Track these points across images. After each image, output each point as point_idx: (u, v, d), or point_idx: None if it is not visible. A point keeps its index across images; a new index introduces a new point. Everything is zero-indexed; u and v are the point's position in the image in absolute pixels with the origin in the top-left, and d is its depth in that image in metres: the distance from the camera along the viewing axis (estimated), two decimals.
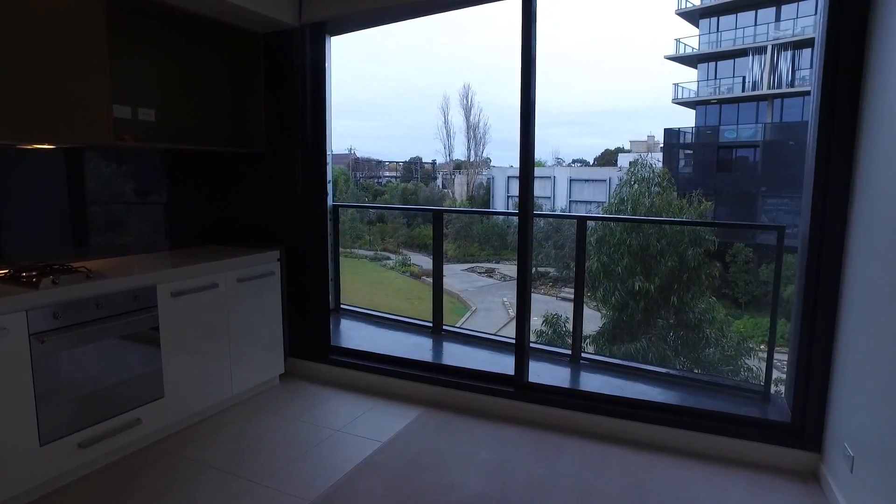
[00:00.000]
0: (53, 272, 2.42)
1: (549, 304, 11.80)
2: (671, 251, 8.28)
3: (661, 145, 19.42)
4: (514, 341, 3.13)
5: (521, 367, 3.06)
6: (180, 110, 3.38)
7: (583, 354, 3.56)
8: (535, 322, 9.53)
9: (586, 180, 21.45)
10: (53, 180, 2.92)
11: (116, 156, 3.18)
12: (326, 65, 3.46)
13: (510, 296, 15.25)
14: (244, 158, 3.63)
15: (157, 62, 3.26)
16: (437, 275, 4.35)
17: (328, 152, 3.55)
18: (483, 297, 15.34)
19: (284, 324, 3.49)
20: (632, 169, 9.88)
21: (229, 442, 2.78)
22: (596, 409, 2.85)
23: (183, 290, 2.78)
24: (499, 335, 3.99)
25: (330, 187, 3.63)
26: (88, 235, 3.08)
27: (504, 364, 3.31)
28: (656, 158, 15.89)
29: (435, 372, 3.30)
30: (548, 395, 2.98)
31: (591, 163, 25.19)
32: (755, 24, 18.09)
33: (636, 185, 9.46)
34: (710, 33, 19.18)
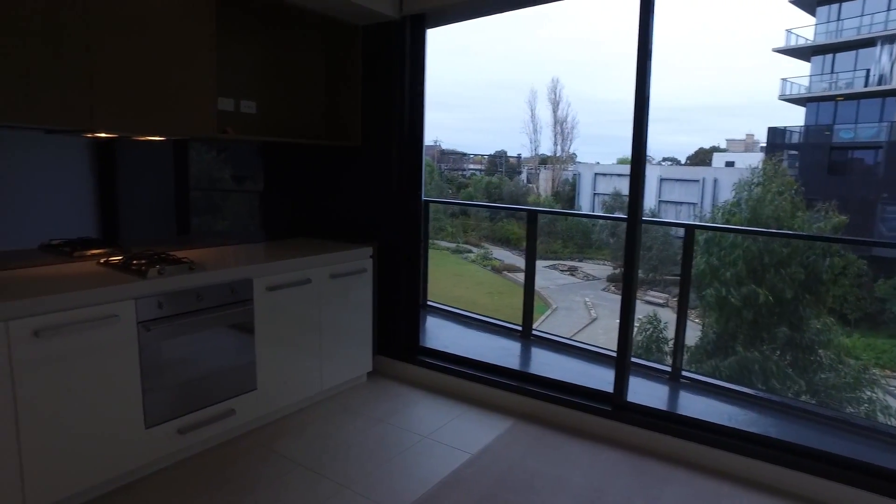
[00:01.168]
0: (160, 261, 2.47)
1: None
2: (796, 260, 7.51)
3: (762, 145, 18.10)
4: (609, 352, 2.92)
5: (621, 384, 2.85)
6: (279, 103, 3.41)
7: (683, 372, 3.29)
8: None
9: (677, 180, 20.41)
10: (160, 170, 3.02)
11: (218, 147, 3.25)
12: (424, 58, 3.37)
13: (592, 295, 14.80)
14: (339, 152, 3.61)
15: (256, 54, 3.29)
16: (530, 277, 4.18)
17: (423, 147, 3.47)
18: (564, 295, 14.97)
19: (374, 321, 3.45)
20: (759, 170, 9.07)
21: (317, 440, 2.77)
22: (703, 439, 2.60)
23: (278, 284, 2.78)
24: (596, 346, 3.77)
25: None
26: (189, 224, 3.16)
27: (599, 377, 3.12)
28: (757, 159, 14.80)
29: (526, 382, 3.15)
30: (649, 417, 2.76)
31: (684, 162, 23.98)
32: (888, 10, 16.31)
33: (758, 189, 8.66)
34: (828, 22, 17.58)
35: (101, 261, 2.58)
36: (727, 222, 9.08)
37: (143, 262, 2.47)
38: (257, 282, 2.68)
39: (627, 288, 2.83)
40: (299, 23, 3.39)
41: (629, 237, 2.79)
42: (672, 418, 2.74)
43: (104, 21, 2.33)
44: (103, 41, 2.34)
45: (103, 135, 2.53)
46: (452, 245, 18.16)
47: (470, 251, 17.78)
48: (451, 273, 15.89)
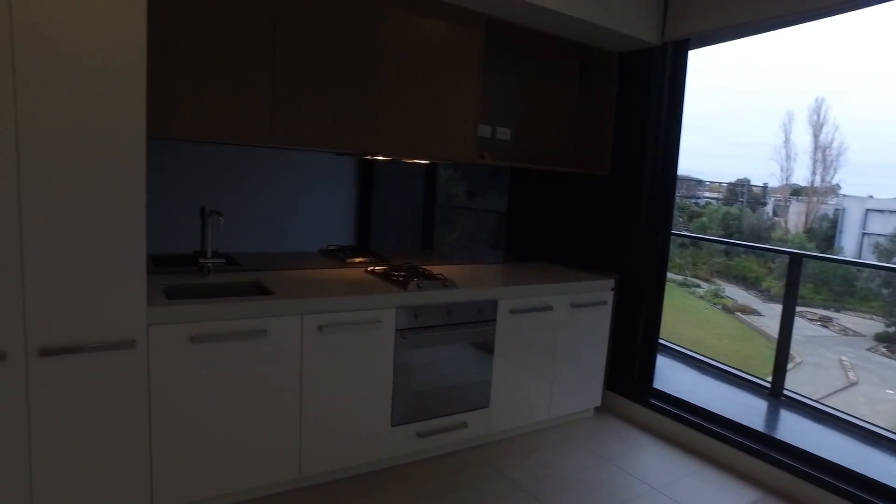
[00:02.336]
0: (417, 275, 2.69)
1: None
2: None
3: None
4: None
5: None
6: (531, 130, 3.50)
7: None
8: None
9: None
10: (410, 188, 3.30)
11: (470, 171, 3.44)
12: (684, 84, 3.17)
13: (851, 354, 12.50)
14: (585, 180, 3.58)
15: (512, 83, 3.41)
16: (786, 328, 3.66)
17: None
18: (812, 349, 12.89)
19: (608, 355, 3.33)
20: None
21: (541, 467, 2.74)
22: None
23: (521, 308, 2.84)
24: (883, 428, 3.13)
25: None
26: (432, 240, 3.39)
27: (883, 467, 2.58)
28: None
29: (779, 451, 2.74)
30: None
31: None
32: None
33: None
34: None
35: (368, 269, 2.90)
36: None
37: (403, 274, 2.72)
38: (502, 304, 2.77)
39: None
40: (556, 52, 3.45)
41: None
42: None
43: (392, 66, 2.63)
44: (391, 82, 2.63)
45: (381, 157, 2.85)
46: (679, 277, 16.91)
47: (698, 286, 16.36)
48: (675, 307, 14.77)
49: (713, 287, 16.21)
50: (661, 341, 4.21)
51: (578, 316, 3.09)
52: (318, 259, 2.98)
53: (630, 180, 3.32)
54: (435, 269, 2.89)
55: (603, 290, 3.19)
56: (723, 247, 16.99)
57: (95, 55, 1.73)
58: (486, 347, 2.77)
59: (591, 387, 3.27)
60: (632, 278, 3.31)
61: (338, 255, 3.03)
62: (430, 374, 2.62)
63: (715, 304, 15.42)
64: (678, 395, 3.25)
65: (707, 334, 13.15)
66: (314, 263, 2.95)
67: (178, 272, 2.55)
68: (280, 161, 2.80)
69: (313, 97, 2.44)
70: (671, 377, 3.78)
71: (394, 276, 2.70)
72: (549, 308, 2.94)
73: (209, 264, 2.54)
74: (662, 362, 4.02)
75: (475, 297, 2.68)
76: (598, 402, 3.34)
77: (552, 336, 3.01)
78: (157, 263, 2.55)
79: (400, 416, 2.56)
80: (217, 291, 2.47)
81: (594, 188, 3.54)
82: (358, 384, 2.41)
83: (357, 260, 3.05)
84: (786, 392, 3.53)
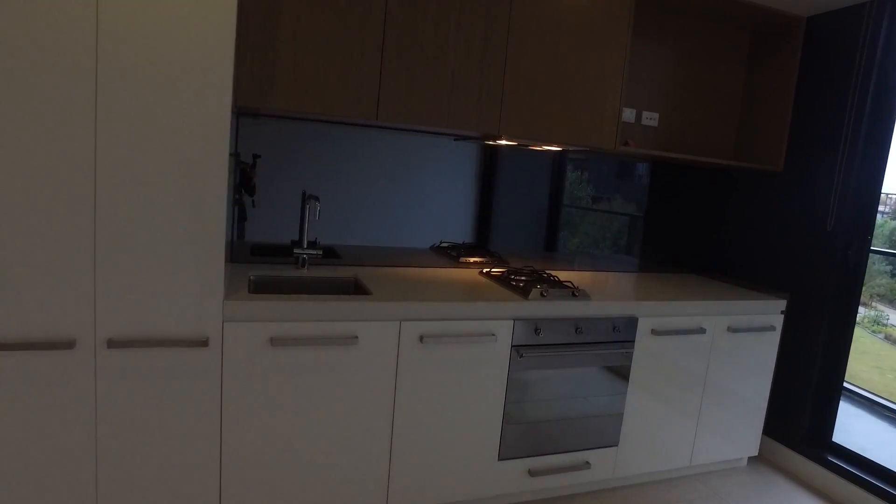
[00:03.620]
0: (541, 281, 2.24)
1: None
2: None
3: None
4: None
5: None
6: (682, 115, 2.91)
7: None
8: None
9: None
10: (535, 182, 2.84)
11: (605, 161, 2.93)
12: None
13: None
14: (748, 176, 2.94)
15: (664, 60, 2.84)
16: None
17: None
18: None
19: (770, 393, 2.68)
20: None
21: None
22: None
23: (666, 329, 2.30)
24: None
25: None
26: (557, 241, 2.92)
27: None
28: None
29: None
30: None
31: None
32: None
33: None
34: None
35: (483, 270, 2.50)
36: None
37: (524, 279, 2.29)
38: (643, 322, 2.25)
39: None
40: (720, 21, 2.84)
41: None
42: None
43: (523, 36, 2.21)
44: (520, 55, 2.21)
45: (504, 142, 2.44)
46: None
47: None
48: None
49: (873, 312, 14.12)
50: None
51: (737, 342, 2.49)
52: (428, 257, 2.63)
53: (813, 178, 2.64)
54: (561, 275, 2.43)
55: (771, 313, 2.56)
56: (889, 265, 14.77)
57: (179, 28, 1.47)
58: (621, 374, 2.26)
59: (747, 431, 2.64)
60: (809, 300, 2.63)
61: (450, 253, 2.66)
62: (549, 402, 2.17)
63: (875, 332, 13.40)
64: (863, 454, 2.53)
65: (865, 366, 11.40)
66: (423, 261, 2.60)
67: (272, 263, 2.31)
68: (394, 146, 2.48)
69: (428, 68, 2.08)
70: (850, 426, 3.03)
71: (513, 280, 2.28)
72: (702, 331, 2.37)
73: (304, 255, 2.27)
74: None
75: (611, 311, 2.19)
76: (754, 452, 2.70)
77: (702, 365, 2.43)
78: (256, 253, 2.33)
79: (509, 448, 2.13)
80: (308, 287, 2.19)
81: (759, 186, 2.89)
82: (462, 407, 2.01)
83: (472, 259, 2.67)
84: None
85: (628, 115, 2.79)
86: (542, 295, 2.08)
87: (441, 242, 2.67)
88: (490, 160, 2.71)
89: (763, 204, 2.88)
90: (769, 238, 2.83)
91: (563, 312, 2.10)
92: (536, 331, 2.06)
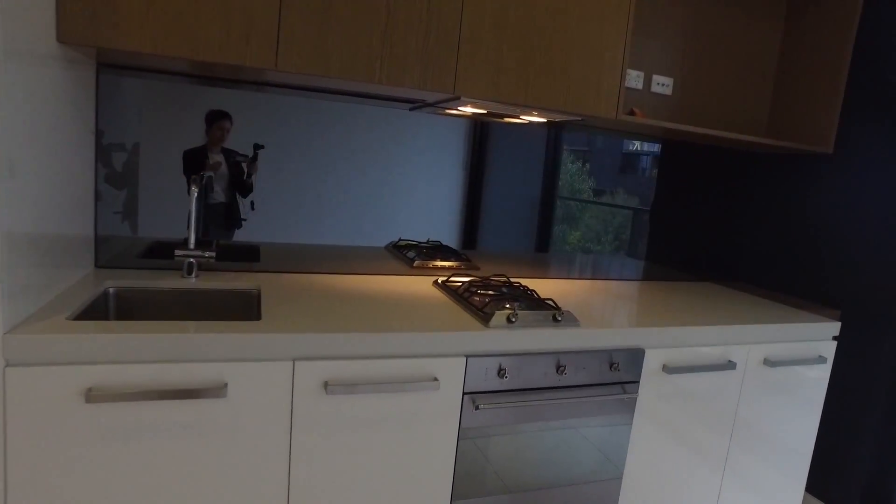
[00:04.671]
0: (512, 298, 1.64)
1: None
2: None
3: None
4: None
5: None
6: (703, 81, 2.30)
7: None
8: None
9: None
10: (526, 166, 2.24)
11: (606, 141, 2.32)
12: None
13: None
14: (785, 160, 2.33)
15: (680, 11, 2.23)
16: None
17: None
18: None
19: (818, 441, 2.08)
20: None
21: None
22: None
23: (682, 364, 1.69)
24: None
25: None
26: (550, 241, 2.31)
27: None
28: None
29: None
30: None
31: None
32: None
33: None
34: None
35: (440, 281, 1.89)
36: None
37: (490, 294, 1.69)
38: (651, 356, 1.64)
39: None
40: None
41: None
42: None
43: None
44: None
45: (470, 110, 1.84)
46: None
47: None
48: None
49: None
50: None
51: (777, 378, 1.88)
52: (379, 260, 2.03)
53: (873, 161, 2.03)
54: (547, 286, 1.83)
55: (819, 339, 1.94)
56: None
57: None
58: (620, 424, 1.66)
59: (786, 491, 2.03)
60: (867, 320, 2.02)
61: (406, 256, 2.07)
62: (519, 469, 1.57)
63: None
64: None
65: None
66: (368, 266, 2.00)
67: (162, 269, 1.73)
68: (350, 123, 1.88)
69: (350, 3, 1.47)
70: None
71: (476, 296, 1.68)
72: (730, 366, 1.76)
73: (190, 260, 1.67)
74: None
75: (607, 341, 1.58)
76: None
77: (730, 409, 1.82)
78: (152, 254, 1.74)
79: None
80: (183, 305, 1.60)
81: (800, 172, 2.28)
82: (389, 484, 1.41)
83: (431, 264, 2.08)
84: None
85: (635, 79, 2.18)
86: (509, 320, 1.47)
87: (399, 240, 2.08)
88: (480, 142, 2.12)
89: (805, 194, 2.26)
90: (812, 238, 2.22)
91: (539, 345, 1.49)
92: (500, 372, 1.45)
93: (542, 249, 2.32)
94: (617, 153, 2.38)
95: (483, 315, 1.49)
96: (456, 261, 2.13)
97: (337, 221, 1.96)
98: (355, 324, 1.36)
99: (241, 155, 1.82)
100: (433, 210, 2.10)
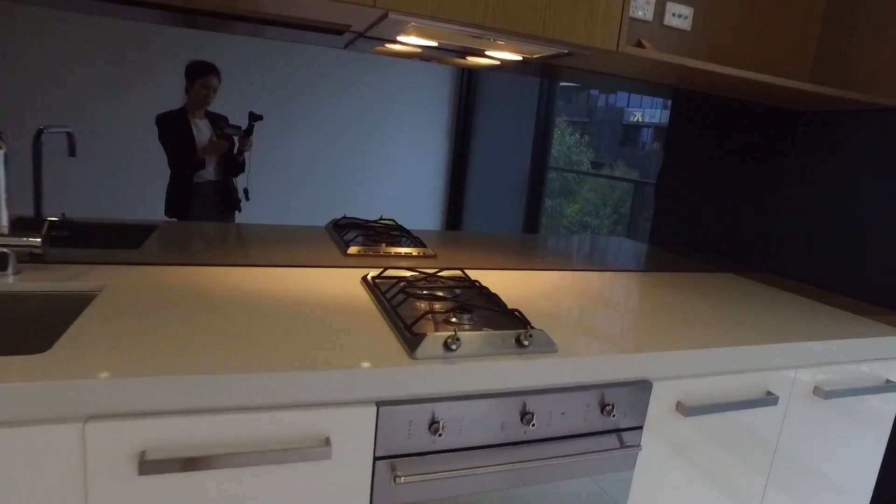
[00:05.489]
0: (462, 305, 1.15)
1: None
2: None
3: None
4: None
5: None
6: (730, 12, 1.78)
7: None
8: None
9: None
10: (512, 130, 1.74)
11: (601, 81, 1.81)
12: None
13: None
14: (832, 116, 1.82)
15: None
16: None
17: None
18: None
19: (878, 484, 1.60)
20: None
21: None
22: None
23: (703, 401, 1.20)
24: None
25: None
26: (540, 219, 1.83)
27: None
28: None
29: None
30: None
31: None
32: None
33: None
34: None
35: (370, 276, 1.39)
36: None
37: (429, 302, 1.19)
38: (661, 389, 1.14)
39: None
40: None
41: None
42: None
43: None
44: None
45: (415, 40, 1.32)
46: None
47: None
48: None
49: None
50: None
51: (828, 414, 1.40)
52: (314, 243, 1.57)
53: None
54: (521, 283, 1.34)
55: (885, 357, 1.45)
56: None
57: None
58: (615, 490, 1.18)
59: None
60: None
61: (343, 239, 1.60)
62: None
63: None
64: None
65: None
66: (292, 254, 1.53)
67: None
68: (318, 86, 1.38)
69: None
70: None
71: (410, 303, 1.18)
72: (770, 400, 1.27)
73: (4, 251, 1.17)
74: None
75: (598, 373, 1.08)
76: None
77: (767, 451, 1.34)
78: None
79: None
80: None
81: (856, 130, 1.77)
82: None
83: (373, 251, 1.60)
84: None
85: (643, 7, 1.65)
86: (447, 347, 0.97)
87: (343, 217, 1.60)
88: (466, 105, 1.64)
89: (857, 161, 1.76)
90: (867, 219, 1.72)
91: (494, 383, 0.99)
92: (433, 425, 0.96)
93: (531, 230, 1.84)
94: (618, 124, 1.88)
95: (411, 340, 0.99)
96: (409, 246, 1.65)
97: (293, 198, 1.52)
98: (204, 356, 0.87)
99: (232, 126, 1.44)
100: (412, 183, 1.64)
